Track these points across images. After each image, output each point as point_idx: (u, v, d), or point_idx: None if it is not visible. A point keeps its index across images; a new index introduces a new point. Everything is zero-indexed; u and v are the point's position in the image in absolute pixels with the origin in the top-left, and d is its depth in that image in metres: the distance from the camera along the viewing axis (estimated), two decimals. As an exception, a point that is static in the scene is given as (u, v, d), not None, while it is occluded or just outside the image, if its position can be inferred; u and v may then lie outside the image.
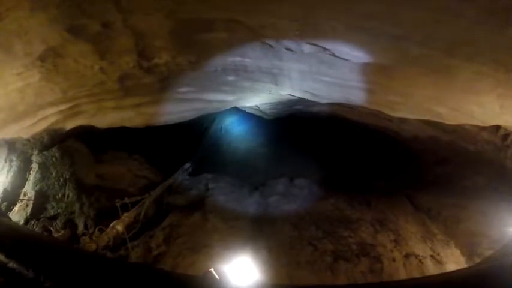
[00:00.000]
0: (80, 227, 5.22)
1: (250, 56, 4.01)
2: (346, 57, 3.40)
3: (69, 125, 5.71)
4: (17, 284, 0.95)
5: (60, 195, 5.54)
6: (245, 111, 9.62)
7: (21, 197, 5.43)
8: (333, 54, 3.37)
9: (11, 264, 0.95)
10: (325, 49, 3.29)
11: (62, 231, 5.02)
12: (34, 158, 5.64)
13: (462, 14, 2.21)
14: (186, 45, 3.72)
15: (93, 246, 4.12)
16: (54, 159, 5.68)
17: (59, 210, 5.41)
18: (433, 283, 1.19)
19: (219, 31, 3.31)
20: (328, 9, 2.50)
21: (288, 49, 3.55)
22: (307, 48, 3.37)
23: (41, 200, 5.45)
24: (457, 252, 4.70)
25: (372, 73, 3.70)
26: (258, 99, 6.65)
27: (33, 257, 1.03)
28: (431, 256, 4.64)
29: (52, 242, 1.97)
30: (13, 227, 1.53)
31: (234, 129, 12.03)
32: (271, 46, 3.59)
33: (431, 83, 3.46)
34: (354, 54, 3.24)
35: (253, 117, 10.66)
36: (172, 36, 3.47)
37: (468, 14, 2.19)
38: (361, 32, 2.73)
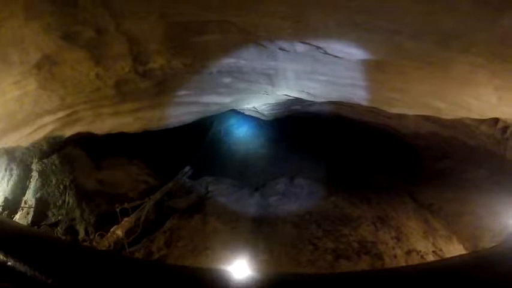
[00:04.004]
0: (81, 233, 5.21)
1: (245, 58, 4.02)
2: (339, 55, 3.40)
3: (68, 132, 5.72)
4: (19, 282, 0.94)
5: (60, 202, 5.54)
6: (243, 113, 9.62)
7: (22, 205, 5.43)
8: (326, 53, 3.37)
9: (11, 263, 0.94)
10: (318, 47, 3.29)
11: (63, 238, 5.03)
12: (34, 166, 5.65)
13: (456, 6, 2.18)
14: (180, 48, 3.73)
15: (94, 252, 4.11)
16: (53, 166, 5.69)
17: (59, 217, 5.41)
18: (425, 271, 1.15)
19: (212, 33, 3.32)
20: (319, 6, 2.50)
21: (282, 49, 3.56)
22: (300, 47, 3.38)
23: (41, 207, 5.45)
24: (460, 247, 4.66)
25: (367, 70, 3.70)
26: (255, 100, 6.66)
27: (34, 255, 1.03)
28: (434, 252, 4.60)
29: (52, 239, 1.96)
30: (12, 225, 1.53)
31: (233, 131, 12.03)
32: (265, 47, 3.60)
33: (427, 76, 3.46)
34: (347, 51, 3.23)
35: (251, 119, 10.67)
36: (166, 39, 3.49)
37: (462, 5, 2.17)
38: (353, 28, 2.72)
